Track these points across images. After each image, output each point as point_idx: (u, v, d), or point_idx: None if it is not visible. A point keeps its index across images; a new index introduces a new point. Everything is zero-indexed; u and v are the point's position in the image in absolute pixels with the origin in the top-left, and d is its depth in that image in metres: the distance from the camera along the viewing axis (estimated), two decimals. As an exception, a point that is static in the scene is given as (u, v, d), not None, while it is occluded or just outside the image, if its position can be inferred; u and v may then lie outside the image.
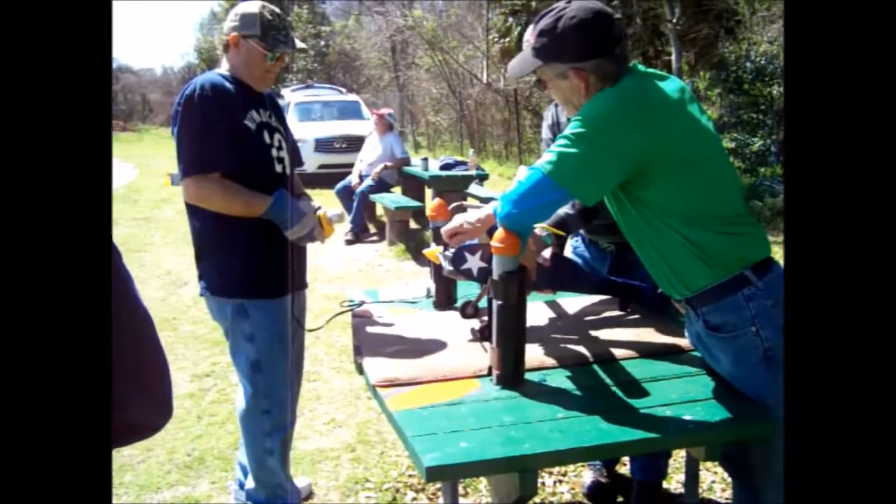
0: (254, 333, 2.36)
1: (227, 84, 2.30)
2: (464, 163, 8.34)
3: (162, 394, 1.01)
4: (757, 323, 1.69)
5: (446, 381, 1.81)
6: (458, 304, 2.29)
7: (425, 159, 8.24)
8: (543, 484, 2.86)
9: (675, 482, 2.83)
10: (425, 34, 18.73)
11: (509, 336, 1.76)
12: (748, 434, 1.70)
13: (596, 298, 2.42)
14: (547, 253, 2.14)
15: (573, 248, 2.68)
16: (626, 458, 2.84)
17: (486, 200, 6.58)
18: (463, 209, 2.14)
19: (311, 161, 11.47)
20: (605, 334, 2.10)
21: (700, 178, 1.71)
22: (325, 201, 3.01)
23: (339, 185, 8.55)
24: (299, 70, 23.21)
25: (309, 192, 2.69)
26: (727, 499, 2.75)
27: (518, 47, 2.31)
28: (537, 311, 2.30)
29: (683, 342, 2.00)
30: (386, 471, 3.04)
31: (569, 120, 1.83)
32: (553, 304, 2.40)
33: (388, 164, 8.15)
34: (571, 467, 2.95)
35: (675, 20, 9.32)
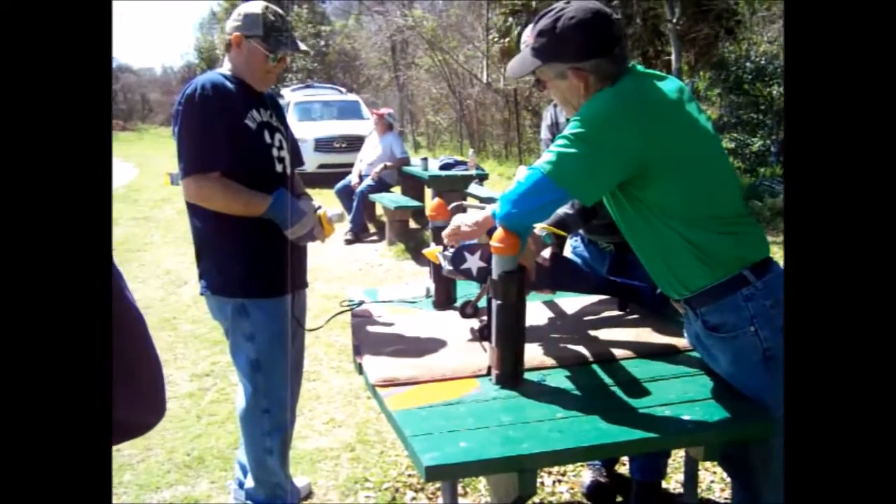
0: (254, 333, 2.36)
1: (229, 84, 2.30)
2: (463, 163, 8.34)
3: (154, 393, 1.01)
4: (756, 323, 1.69)
5: (445, 381, 1.81)
6: (458, 303, 2.29)
7: (425, 159, 8.24)
8: (542, 484, 2.86)
9: (674, 482, 2.83)
10: (425, 34, 18.72)
11: (508, 336, 1.76)
12: (747, 434, 1.70)
13: (595, 298, 2.42)
14: (546, 253, 2.15)
15: (572, 247, 2.68)
16: (625, 458, 2.84)
17: (485, 200, 6.58)
18: (462, 209, 2.14)
19: (311, 161, 11.46)
20: (604, 334, 2.10)
21: (699, 179, 1.71)
22: (324, 201, 3.01)
23: (339, 184, 8.55)
24: (299, 70, 23.20)
25: (308, 191, 2.70)
26: (726, 499, 2.76)
27: (518, 47, 2.31)
28: (536, 311, 2.30)
29: (682, 342, 2.00)
30: (385, 470, 3.05)
31: (568, 120, 1.83)
32: (552, 304, 2.41)
33: (388, 163, 8.15)
34: (571, 467, 2.95)
35: (675, 20, 9.32)
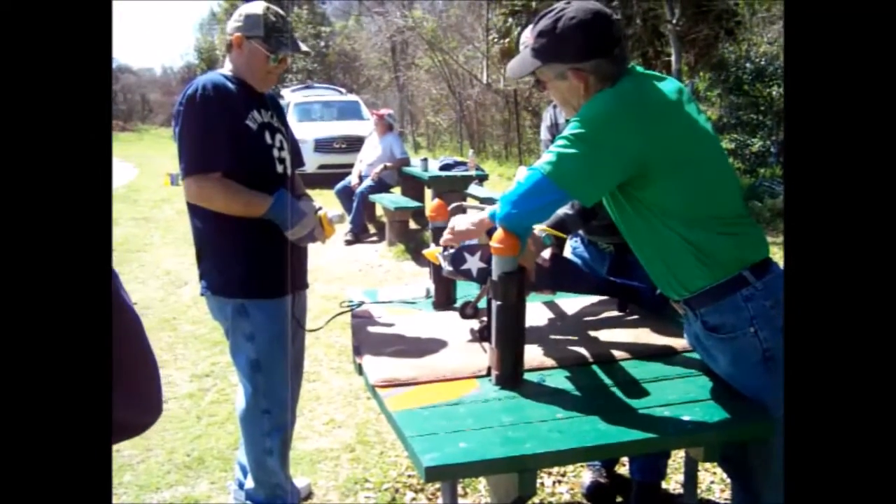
0: (254, 333, 2.36)
1: (229, 84, 2.31)
2: (463, 163, 8.34)
3: (151, 392, 1.01)
4: (755, 323, 1.69)
5: (445, 382, 1.81)
6: (458, 304, 2.29)
7: (425, 160, 8.24)
8: (542, 484, 2.86)
9: (674, 483, 2.83)
10: (425, 35, 18.74)
11: (508, 336, 1.76)
12: (747, 434, 1.70)
13: (595, 299, 2.42)
14: (546, 253, 2.14)
15: (572, 248, 2.68)
16: (625, 459, 2.84)
17: (485, 201, 6.58)
18: (462, 210, 2.14)
19: (311, 161, 11.46)
20: (604, 335, 2.10)
21: (698, 179, 1.71)
22: (324, 201, 3.01)
23: (339, 185, 8.55)
24: (299, 70, 23.20)
25: (308, 192, 2.70)
26: (726, 499, 2.76)
27: (517, 48, 2.31)
28: (536, 312, 2.30)
29: (682, 343, 2.00)
30: (385, 471, 3.04)
31: (567, 121, 1.83)
32: (552, 305, 2.41)
33: (388, 164, 8.15)
34: (570, 467, 2.95)
35: (674, 21, 9.33)
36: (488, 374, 1.82)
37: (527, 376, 1.81)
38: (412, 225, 8.15)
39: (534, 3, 10.39)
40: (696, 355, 1.92)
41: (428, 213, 2.36)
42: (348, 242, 7.92)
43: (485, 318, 1.95)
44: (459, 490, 2.77)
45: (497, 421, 1.59)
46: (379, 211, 8.64)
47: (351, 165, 8.92)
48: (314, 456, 3.19)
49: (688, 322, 1.89)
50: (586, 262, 2.60)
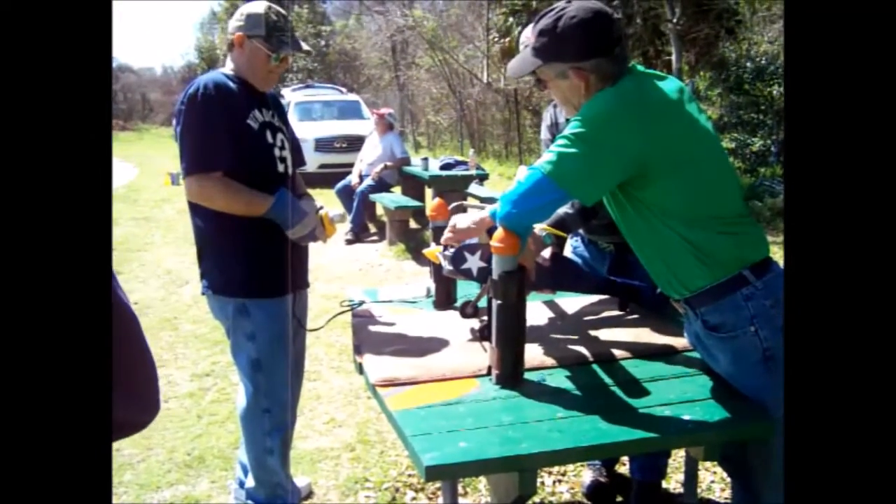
0: (255, 332, 2.36)
1: (231, 83, 2.31)
2: (464, 162, 8.34)
3: (148, 391, 1.01)
4: (756, 323, 1.69)
5: (446, 381, 1.81)
6: (458, 303, 2.29)
7: (425, 159, 8.24)
8: (543, 483, 2.86)
9: (674, 482, 2.83)
10: (425, 34, 18.73)
11: (509, 336, 1.76)
12: (747, 434, 1.70)
13: (595, 298, 2.42)
14: (546, 253, 2.15)
15: (572, 247, 2.68)
16: (625, 458, 2.84)
17: (486, 200, 6.59)
18: (463, 209, 2.14)
19: (312, 161, 11.45)
20: (604, 334, 2.10)
21: (699, 179, 1.71)
22: (325, 201, 3.01)
23: (339, 184, 8.55)
24: (300, 69, 23.20)
25: (309, 191, 2.70)
26: (726, 499, 2.76)
27: (518, 47, 2.31)
28: (537, 311, 2.30)
29: (682, 342, 2.00)
30: (385, 470, 3.05)
31: (567, 121, 1.83)
32: (552, 304, 2.41)
33: (389, 163, 8.15)
34: (571, 467, 2.95)
35: (675, 20, 9.32)
36: (488, 374, 1.82)
37: (527, 375, 1.81)
38: (413, 224, 8.15)
39: (534, 3, 10.39)
40: (696, 355, 1.92)
41: (428, 212, 2.36)
42: (349, 242, 7.92)
43: (485, 318, 1.95)
44: (460, 489, 2.77)
45: (497, 420, 1.59)
46: (379, 210, 8.64)
47: (351, 165, 8.92)
48: (315, 455, 3.19)
49: (688, 321, 1.89)
50: (586, 262, 2.60)
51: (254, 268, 2.34)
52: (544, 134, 2.61)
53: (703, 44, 10.94)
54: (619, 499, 2.79)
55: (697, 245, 1.71)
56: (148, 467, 3.10)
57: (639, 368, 1.88)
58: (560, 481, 2.91)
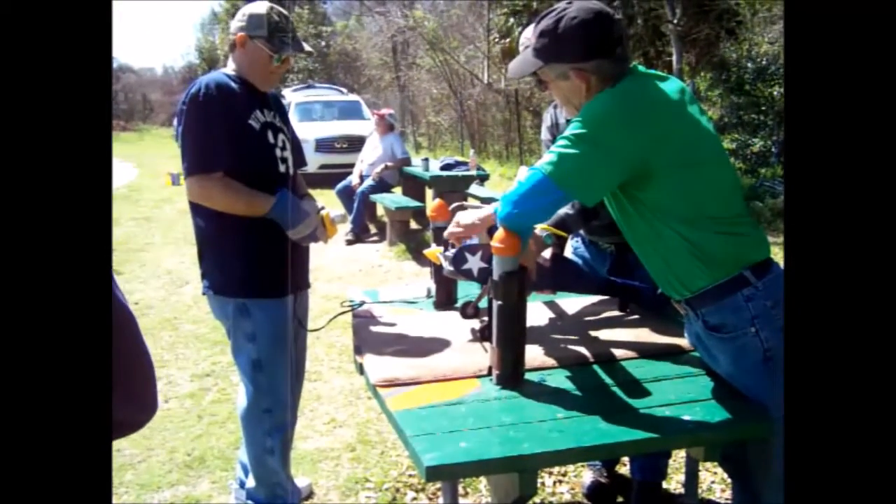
0: (255, 333, 2.36)
1: (233, 84, 2.31)
2: (464, 163, 8.34)
3: (146, 391, 1.01)
4: (756, 323, 1.69)
5: (446, 381, 1.81)
6: (459, 304, 2.29)
7: (426, 159, 8.24)
8: (543, 484, 2.86)
9: (674, 482, 2.83)
10: (426, 34, 18.74)
11: (509, 336, 1.76)
12: (747, 434, 1.70)
13: (596, 299, 2.42)
14: (547, 253, 2.14)
15: (573, 248, 2.68)
16: (625, 459, 2.84)
17: (486, 201, 6.58)
18: (463, 209, 2.14)
19: (312, 161, 11.47)
20: (604, 334, 2.10)
21: (700, 180, 1.71)
22: (325, 201, 3.01)
23: (340, 185, 8.56)
24: (300, 70, 23.22)
25: (309, 191, 2.70)
26: (727, 499, 2.76)
27: (518, 48, 2.31)
28: (537, 312, 2.30)
29: (683, 342, 2.00)
30: (386, 470, 3.05)
31: (568, 121, 1.83)
32: (553, 305, 2.41)
33: (389, 164, 8.15)
34: (571, 467, 2.95)
35: (675, 21, 9.32)
36: (489, 374, 1.82)
37: (527, 376, 1.81)
38: (413, 225, 8.15)
39: (535, 3, 10.40)
40: (696, 355, 1.92)
41: (429, 212, 2.36)
42: (349, 242, 7.92)
43: (486, 318, 1.95)
44: (460, 490, 2.77)
45: (498, 420, 1.59)
46: (380, 211, 8.65)
47: (352, 165, 8.92)
48: (315, 455, 3.19)
49: (689, 322, 1.89)
50: (587, 262, 2.60)
51: (254, 268, 2.34)
52: (545, 135, 2.61)
53: (703, 44, 10.94)
54: (620, 499, 2.79)
55: (698, 245, 1.71)
56: (148, 467, 3.10)
57: (639, 369, 1.88)
58: (560, 482, 2.91)
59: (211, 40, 32.40)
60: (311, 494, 2.88)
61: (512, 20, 11.68)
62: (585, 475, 2.84)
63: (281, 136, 2.43)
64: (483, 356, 1.92)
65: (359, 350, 2.09)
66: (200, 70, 28.78)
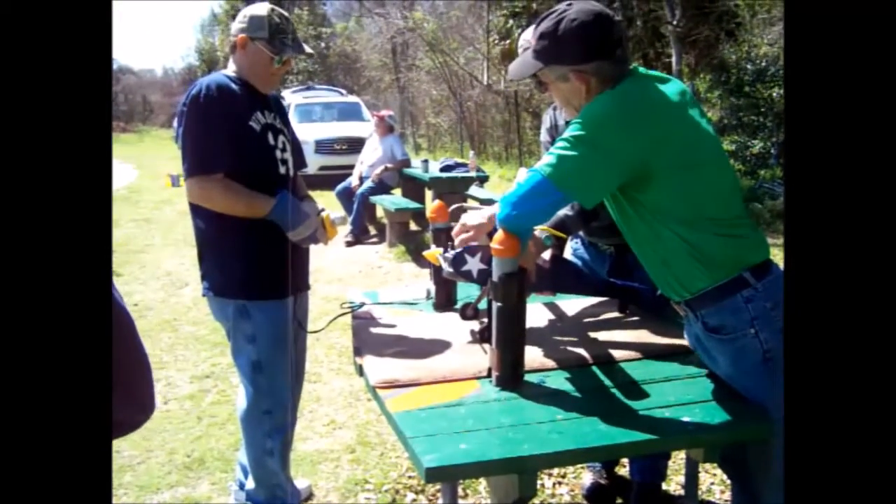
0: (255, 334, 2.36)
1: (233, 85, 2.31)
2: (464, 164, 8.34)
3: (144, 391, 1.01)
4: (756, 325, 1.69)
5: (446, 383, 1.81)
6: (458, 305, 2.29)
7: (426, 161, 8.24)
8: (543, 485, 2.86)
9: (674, 484, 2.83)
10: (426, 36, 18.74)
11: (509, 338, 1.76)
12: (747, 435, 1.70)
13: (595, 300, 2.42)
14: (546, 255, 2.14)
15: (573, 249, 2.68)
16: (625, 460, 2.84)
17: (486, 202, 6.59)
18: (463, 211, 2.14)
19: (312, 162, 11.46)
20: (604, 336, 2.10)
21: (699, 181, 1.71)
22: (325, 203, 3.01)
23: (340, 186, 8.56)
24: (300, 71, 23.23)
25: (309, 193, 2.70)
26: (726, 500, 2.75)
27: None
28: (537, 313, 2.30)
29: (682, 344, 1.99)
30: (385, 472, 3.04)
31: (567, 123, 1.83)
32: (552, 306, 2.41)
33: (389, 165, 8.15)
34: (571, 469, 2.95)
35: (675, 22, 9.33)
36: (489, 376, 1.82)
37: (527, 377, 1.81)
38: (413, 226, 8.15)
39: (534, 5, 10.41)
40: (696, 356, 1.92)
41: (428, 214, 2.36)
42: (349, 244, 7.92)
43: (485, 320, 1.95)
44: (460, 491, 2.77)
45: (497, 422, 1.59)
46: (379, 212, 8.65)
47: (352, 167, 8.92)
48: (315, 457, 3.19)
49: (688, 323, 1.89)
50: (586, 264, 2.60)
51: (254, 269, 2.34)
52: (544, 136, 2.61)
53: (703, 46, 10.95)
54: (619, 501, 2.79)
55: (697, 247, 1.71)
56: (148, 469, 3.10)
57: (639, 370, 1.88)
58: (560, 483, 2.91)
59: (211, 42, 32.43)
60: (310, 496, 2.88)
61: (511, 22, 11.69)
62: (585, 476, 2.83)
63: (281, 138, 2.43)
64: (483, 358, 1.92)
65: (358, 351, 2.09)
66: (200, 71, 28.81)
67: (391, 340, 2.12)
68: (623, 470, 2.90)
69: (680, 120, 1.72)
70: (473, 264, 1.94)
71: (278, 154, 2.39)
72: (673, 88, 1.75)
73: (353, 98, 15.86)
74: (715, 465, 2.59)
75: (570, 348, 2.01)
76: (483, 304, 2.07)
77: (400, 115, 19.63)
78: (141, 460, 3.16)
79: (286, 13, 2.42)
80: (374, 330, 2.24)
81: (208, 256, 2.41)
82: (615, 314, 2.31)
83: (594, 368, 1.90)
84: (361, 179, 8.24)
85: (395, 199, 8.01)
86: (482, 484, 2.81)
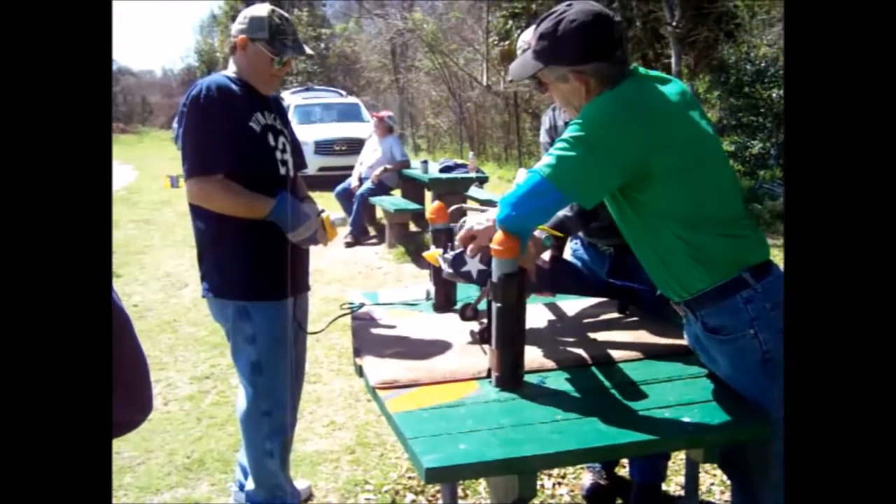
0: (255, 335, 2.36)
1: (233, 86, 2.31)
2: (463, 165, 8.34)
3: (142, 391, 1.02)
4: (755, 326, 1.69)
5: (446, 383, 1.81)
6: (458, 306, 2.29)
7: (425, 162, 8.24)
8: (543, 486, 2.86)
9: (673, 484, 2.83)
10: (425, 37, 18.74)
11: (508, 338, 1.76)
12: (746, 435, 1.70)
13: (595, 301, 2.42)
14: (546, 255, 2.14)
15: (572, 250, 2.68)
16: (625, 460, 2.84)
17: (485, 203, 6.59)
18: (462, 212, 2.14)
19: (311, 163, 11.41)
20: (603, 336, 2.11)
21: (699, 182, 1.71)
22: (324, 204, 3.01)
23: (339, 187, 8.56)
24: (300, 72, 23.23)
25: (309, 194, 2.70)
26: (726, 501, 2.75)
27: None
28: (536, 314, 2.30)
29: (682, 344, 1.99)
30: (385, 473, 3.04)
31: (566, 124, 1.82)
32: (552, 307, 2.41)
33: (388, 166, 8.15)
34: (570, 469, 2.95)
35: (674, 23, 9.34)
36: (488, 376, 1.82)
37: (527, 378, 1.81)
38: (412, 227, 8.15)
39: (534, 6, 10.42)
40: (695, 357, 1.92)
41: (428, 215, 2.36)
42: (348, 245, 7.92)
43: (485, 320, 1.95)
44: (459, 492, 2.77)
45: (497, 422, 1.59)
46: (379, 213, 8.64)
47: (351, 168, 8.92)
48: (314, 458, 3.19)
49: (688, 323, 1.89)
50: (586, 264, 2.60)
51: (254, 270, 2.34)
52: (543, 137, 2.61)
53: (702, 47, 10.96)
54: (619, 501, 2.79)
55: (697, 248, 1.71)
56: (147, 470, 3.10)
57: (638, 371, 1.88)
58: (560, 484, 2.91)
59: (210, 42, 32.43)
60: (310, 497, 2.87)
61: (511, 22, 11.71)
62: (585, 477, 2.83)
63: (281, 139, 2.43)
64: (482, 358, 1.92)
65: (358, 352, 2.09)
66: (199, 72, 28.83)
67: (391, 341, 2.12)
68: (623, 470, 2.90)
69: (680, 120, 1.72)
70: (473, 265, 1.94)
71: (278, 155, 2.39)
72: (673, 89, 1.75)
73: (352, 99, 15.86)
74: (715, 465, 2.59)
75: (569, 349, 2.01)
76: (483, 305, 2.07)
77: (399, 116, 19.62)
78: (141, 461, 3.16)
79: (286, 14, 2.42)
80: (373, 331, 2.24)
81: (208, 257, 2.41)
82: (615, 315, 2.31)
83: (594, 369, 1.90)
84: (361, 180, 8.24)
85: (395, 200, 8.01)
86: (482, 484, 2.81)
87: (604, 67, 1.74)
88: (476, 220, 1.92)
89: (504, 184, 11.64)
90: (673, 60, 9.46)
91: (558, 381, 1.82)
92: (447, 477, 1.55)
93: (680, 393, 1.74)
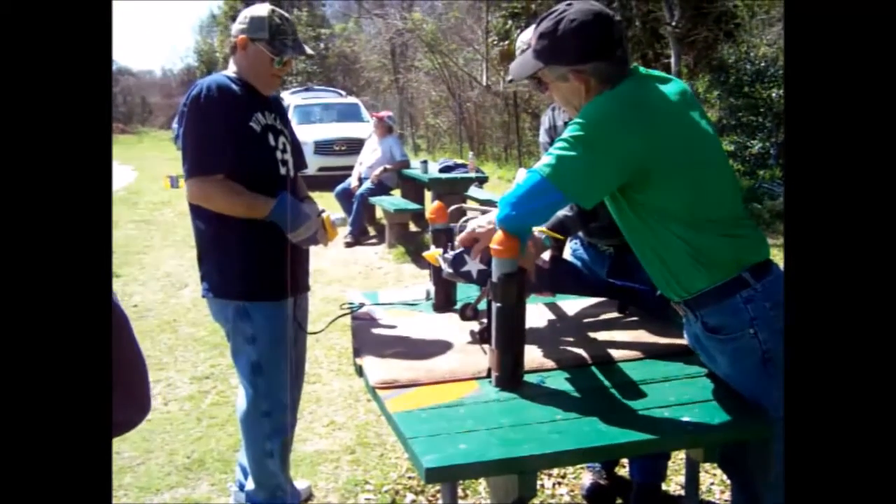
0: (255, 335, 2.36)
1: (234, 86, 2.31)
2: (463, 165, 8.34)
3: (141, 391, 1.02)
4: (755, 325, 1.69)
5: (446, 383, 1.81)
6: (458, 306, 2.29)
7: (425, 162, 8.24)
8: (542, 486, 2.86)
9: (674, 484, 2.83)
10: (425, 37, 18.74)
11: (508, 338, 1.76)
12: (746, 435, 1.70)
13: (595, 301, 2.42)
14: (546, 255, 2.14)
15: (572, 250, 2.68)
16: (625, 460, 2.84)
17: (485, 203, 6.59)
18: (462, 212, 2.14)
19: (311, 163, 11.36)
20: (603, 336, 2.11)
21: (699, 182, 1.71)
22: (324, 204, 3.01)
23: (339, 187, 8.56)
24: (299, 72, 23.24)
25: (309, 194, 2.70)
26: (726, 500, 2.75)
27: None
28: (536, 313, 2.30)
29: (682, 344, 2.00)
30: (385, 473, 3.04)
31: (565, 124, 1.82)
32: (552, 306, 2.41)
33: (388, 166, 8.15)
34: (570, 469, 2.95)
35: (674, 23, 9.34)
36: (488, 376, 1.82)
37: (527, 378, 1.81)
38: (412, 227, 8.15)
39: (533, 6, 10.42)
40: (695, 357, 1.92)
41: (428, 215, 2.36)
42: (348, 245, 7.92)
43: (485, 320, 1.95)
44: (459, 492, 2.77)
45: (497, 422, 1.59)
46: (379, 213, 8.65)
47: (351, 168, 8.92)
48: (314, 458, 3.19)
49: (688, 323, 1.89)
50: (586, 264, 2.60)
51: (254, 270, 2.34)
52: (543, 137, 2.61)
53: (701, 46, 10.96)
54: (619, 501, 2.79)
55: (697, 248, 1.71)
56: (148, 470, 3.10)
57: (638, 370, 1.88)
58: (560, 483, 2.91)
59: (210, 43, 32.44)
60: (310, 497, 2.87)
61: (510, 22, 11.71)
62: (585, 477, 2.83)
63: (281, 139, 2.43)
64: (482, 358, 1.92)
65: (358, 352, 2.09)
66: (199, 73, 28.84)
67: (391, 341, 2.12)
68: (623, 470, 2.90)
69: (680, 120, 1.72)
70: (473, 265, 1.94)
71: (279, 155, 2.40)
72: (673, 88, 1.75)
73: (352, 99, 15.86)
74: (715, 465, 2.59)
75: (569, 348, 2.01)
76: (482, 305, 2.07)
77: (399, 115, 19.63)
78: (141, 461, 3.16)
79: (286, 14, 2.42)
80: (373, 331, 2.24)
81: (208, 257, 2.41)
82: (615, 314, 2.31)
83: (594, 368, 1.90)
84: (360, 180, 8.24)
85: (395, 200, 8.01)
86: (482, 484, 2.81)
87: (604, 67, 1.74)
88: (478, 222, 1.91)
89: (504, 184, 11.64)
90: (672, 60, 9.47)
91: (558, 381, 1.82)
92: (447, 477, 1.55)
93: (680, 392, 1.74)
